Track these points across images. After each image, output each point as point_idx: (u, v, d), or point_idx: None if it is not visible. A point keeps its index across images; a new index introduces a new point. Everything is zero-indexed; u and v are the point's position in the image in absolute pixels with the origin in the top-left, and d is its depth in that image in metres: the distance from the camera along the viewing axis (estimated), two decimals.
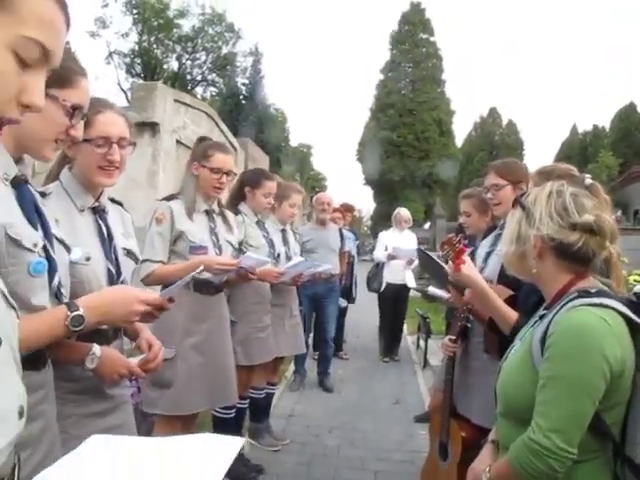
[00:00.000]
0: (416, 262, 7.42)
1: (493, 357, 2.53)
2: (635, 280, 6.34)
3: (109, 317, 1.49)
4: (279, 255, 3.92)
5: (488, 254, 2.76)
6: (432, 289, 3.50)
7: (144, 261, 2.74)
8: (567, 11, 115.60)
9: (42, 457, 1.29)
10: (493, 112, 49.49)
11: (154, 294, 1.63)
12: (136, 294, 1.54)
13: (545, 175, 2.17)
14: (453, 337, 2.74)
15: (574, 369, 1.32)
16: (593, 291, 1.40)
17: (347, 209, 7.56)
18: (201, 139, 3.12)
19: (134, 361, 1.80)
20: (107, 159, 1.79)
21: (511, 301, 2.24)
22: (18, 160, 1.33)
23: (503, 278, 2.47)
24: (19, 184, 1.30)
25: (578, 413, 1.32)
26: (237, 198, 3.78)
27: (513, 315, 2.10)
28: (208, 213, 3.02)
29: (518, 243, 1.53)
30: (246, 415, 4.09)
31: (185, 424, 2.93)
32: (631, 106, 43.89)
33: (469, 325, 2.72)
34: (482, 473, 1.55)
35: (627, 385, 1.35)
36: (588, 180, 1.58)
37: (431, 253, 3.00)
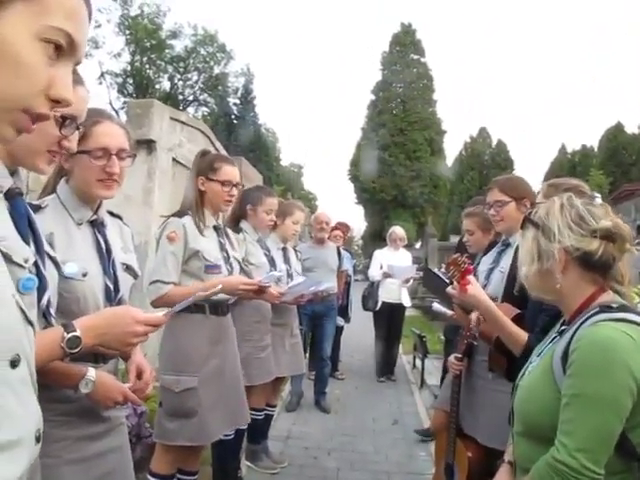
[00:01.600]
0: (411, 281, 7.41)
1: (498, 376, 2.50)
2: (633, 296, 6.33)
3: (106, 339, 1.42)
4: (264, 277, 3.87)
5: (490, 270, 2.74)
6: (437, 305, 3.46)
7: (155, 282, 2.63)
8: (555, 31, 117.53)
9: None
10: (483, 132, 49.73)
11: (155, 314, 1.56)
12: (133, 314, 1.46)
13: (554, 187, 2.16)
14: (459, 355, 2.70)
15: (600, 386, 1.28)
16: (615, 306, 1.38)
17: (342, 229, 7.51)
18: (203, 153, 2.98)
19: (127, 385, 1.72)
20: (106, 171, 1.72)
21: (517, 319, 2.21)
22: (13, 173, 1.26)
23: (508, 296, 2.44)
24: (13, 197, 1.22)
25: (605, 432, 1.28)
26: (238, 216, 3.73)
27: (523, 335, 2.06)
28: (216, 229, 2.90)
29: (540, 261, 1.50)
30: (244, 437, 4.01)
31: (190, 449, 2.83)
32: (618, 126, 44.33)
33: (475, 343, 2.68)
34: None
35: None
36: (598, 200, 1.56)
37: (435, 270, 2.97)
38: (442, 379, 5.00)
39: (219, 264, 2.79)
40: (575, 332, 1.38)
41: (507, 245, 2.71)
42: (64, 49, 0.74)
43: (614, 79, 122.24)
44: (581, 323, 1.39)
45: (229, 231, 3.11)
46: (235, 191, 2.90)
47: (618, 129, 44.23)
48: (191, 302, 1.68)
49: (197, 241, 2.72)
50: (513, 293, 2.43)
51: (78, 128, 1.34)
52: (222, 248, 2.87)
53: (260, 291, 3.08)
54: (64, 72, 0.75)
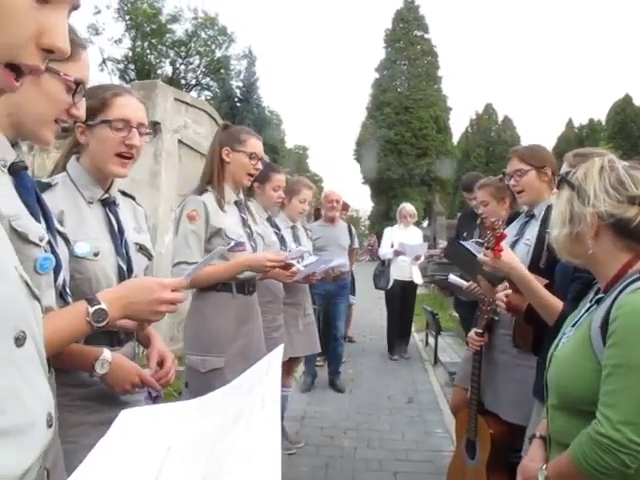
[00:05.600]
0: (423, 258, 7.33)
1: (524, 350, 2.43)
2: None
3: (133, 309, 1.35)
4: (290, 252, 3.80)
5: (515, 242, 2.67)
6: (453, 277, 3.38)
7: (178, 263, 2.55)
8: (561, 4, 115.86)
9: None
10: (489, 108, 49.28)
11: (177, 278, 1.49)
12: (157, 280, 1.40)
13: (581, 157, 2.08)
14: (480, 330, 2.64)
15: None
16: None
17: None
18: (226, 126, 2.87)
19: (147, 371, 1.66)
20: (126, 144, 1.65)
21: (547, 290, 2.14)
22: (13, 145, 1.17)
23: (534, 269, 2.37)
24: (18, 171, 1.15)
25: None
26: (246, 195, 3.66)
27: (558, 303, 1.99)
28: (237, 204, 2.79)
29: (572, 224, 1.42)
30: None
31: None
32: (626, 98, 43.76)
33: (496, 318, 2.61)
34: (538, 471, 1.44)
35: None
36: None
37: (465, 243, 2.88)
38: None
39: (243, 242, 2.69)
40: (614, 300, 1.31)
41: (531, 216, 2.64)
42: None
43: (622, 51, 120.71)
44: (620, 291, 1.31)
45: (251, 205, 3.03)
46: (260, 165, 2.80)
47: (626, 101, 43.73)
48: (207, 262, 1.61)
49: (219, 218, 2.63)
50: (539, 266, 2.37)
51: (84, 95, 1.27)
52: (244, 224, 2.78)
53: (286, 267, 3.00)
54: (57, 17, 0.66)
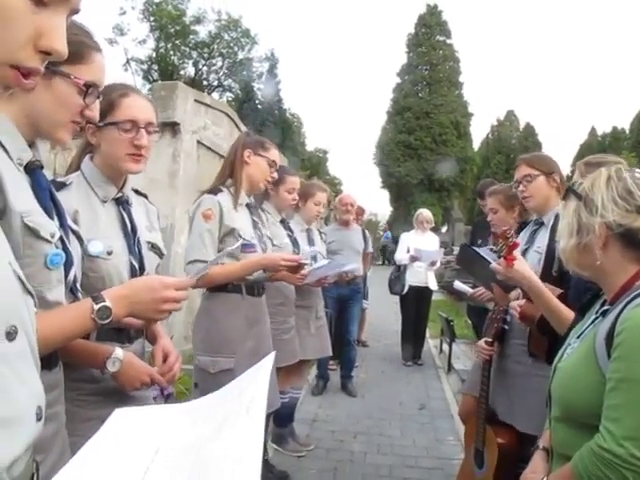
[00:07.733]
0: (438, 264, 7.30)
1: (539, 360, 2.41)
2: None
3: (137, 308, 1.37)
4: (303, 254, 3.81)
5: (525, 251, 2.65)
6: (458, 283, 3.36)
7: (193, 261, 2.57)
8: (586, 12, 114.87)
9: (52, 464, 1.19)
10: (510, 115, 48.85)
11: (181, 278, 1.51)
12: (161, 279, 1.41)
13: (595, 165, 2.07)
14: (489, 339, 2.62)
15: None
16: None
17: (357, 212, 7.34)
18: (248, 133, 2.95)
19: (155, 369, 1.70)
20: (134, 144, 1.68)
21: (561, 300, 2.12)
22: (30, 145, 1.22)
23: (546, 277, 2.36)
24: (34, 170, 1.20)
25: None
26: (260, 197, 3.68)
27: (570, 314, 1.97)
28: (249, 207, 2.86)
29: (579, 235, 1.41)
30: (270, 420, 3.99)
31: None
32: None
33: (507, 327, 2.60)
34: None
35: None
36: (638, 174, 1.46)
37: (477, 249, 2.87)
38: None
39: (254, 243, 2.74)
40: (620, 313, 1.29)
41: (540, 224, 2.63)
42: None
43: None
44: (626, 303, 1.30)
45: (265, 207, 3.11)
46: (276, 174, 2.91)
47: None
48: (216, 262, 1.62)
49: (233, 219, 2.68)
50: (551, 274, 2.35)
51: (98, 97, 1.31)
52: (255, 226, 2.83)
53: (297, 269, 3.04)
54: (55, 20, 0.68)
